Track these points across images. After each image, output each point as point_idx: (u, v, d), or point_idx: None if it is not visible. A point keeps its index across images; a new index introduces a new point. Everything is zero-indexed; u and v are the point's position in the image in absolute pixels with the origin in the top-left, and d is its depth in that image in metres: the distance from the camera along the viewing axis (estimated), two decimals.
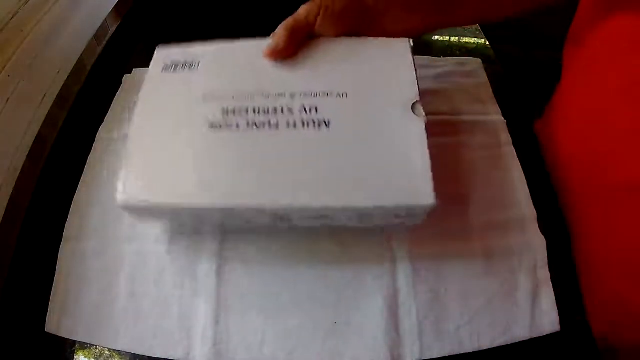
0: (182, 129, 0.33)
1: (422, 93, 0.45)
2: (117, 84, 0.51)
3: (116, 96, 0.49)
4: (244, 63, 0.37)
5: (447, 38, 0.61)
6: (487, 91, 0.49)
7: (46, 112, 0.46)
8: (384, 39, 0.38)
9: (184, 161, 0.32)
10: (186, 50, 0.38)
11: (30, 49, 0.43)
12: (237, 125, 0.33)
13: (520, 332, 0.33)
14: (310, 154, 0.32)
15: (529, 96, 0.51)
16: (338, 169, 0.32)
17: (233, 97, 0.35)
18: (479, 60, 0.52)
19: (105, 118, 0.47)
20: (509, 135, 0.45)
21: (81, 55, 0.52)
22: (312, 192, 0.31)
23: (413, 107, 0.35)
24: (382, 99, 0.35)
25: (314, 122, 0.33)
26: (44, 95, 0.46)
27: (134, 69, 0.52)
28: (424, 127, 0.34)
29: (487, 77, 0.50)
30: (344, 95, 0.35)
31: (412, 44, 0.38)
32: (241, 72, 0.36)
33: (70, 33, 0.50)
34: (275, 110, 0.34)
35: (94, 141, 0.45)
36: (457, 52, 0.57)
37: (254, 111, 0.34)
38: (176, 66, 0.37)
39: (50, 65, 0.47)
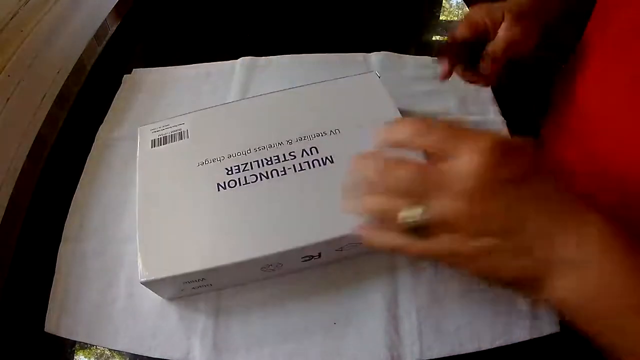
0: (190, 195, 0.34)
1: (423, 93, 0.45)
2: (117, 84, 0.51)
3: (116, 96, 0.49)
4: (230, 125, 0.39)
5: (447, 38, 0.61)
6: (487, 91, 0.49)
7: (46, 112, 0.46)
8: (352, 77, 0.42)
9: (199, 226, 0.33)
10: (167, 122, 0.39)
11: (30, 49, 0.43)
12: (246, 180, 0.34)
13: (520, 332, 0.33)
14: (325, 189, 0.34)
15: (528, 96, 0.51)
16: None
17: (231, 156, 0.36)
18: None
19: (105, 118, 0.47)
20: (509, 135, 0.45)
21: (81, 55, 0.52)
22: (340, 222, 0.31)
23: None
24: (370, 128, 0.36)
25: (319, 161, 0.35)
26: (44, 95, 0.46)
27: (134, 69, 0.52)
28: None
29: None
30: (337, 132, 0.37)
31: (378, 74, 0.42)
32: (231, 133, 0.38)
33: (70, 33, 0.50)
34: (278, 158, 0.36)
35: (93, 141, 0.45)
36: None
37: (258, 164, 0.35)
38: (165, 139, 0.38)
39: (50, 65, 0.47)
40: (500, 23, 0.39)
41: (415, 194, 0.24)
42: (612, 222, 0.24)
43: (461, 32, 0.39)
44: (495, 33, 0.39)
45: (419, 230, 0.24)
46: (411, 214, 0.23)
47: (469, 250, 0.24)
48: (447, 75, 0.40)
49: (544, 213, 0.23)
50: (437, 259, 0.26)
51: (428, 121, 0.25)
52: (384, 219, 0.25)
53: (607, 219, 0.24)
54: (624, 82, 0.34)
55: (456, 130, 0.24)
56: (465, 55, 0.40)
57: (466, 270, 0.25)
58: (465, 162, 0.23)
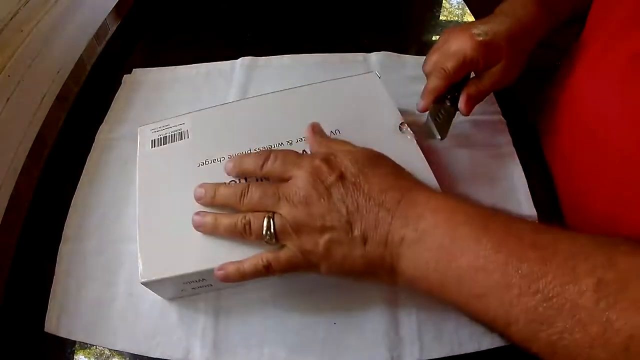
0: (190, 195, 0.33)
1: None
2: (117, 84, 0.51)
3: (116, 96, 0.49)
4: (230, 125, 0.39)
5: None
6: None
7: (46, 112, 0.46)
8: (352, 77, 0.42)
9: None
10: (167, 122, 0.39)
11: (30, 49, 0.43)
12: (246, 181, 0.34)
13: None
14: None
15: (528, 96, 0.51)
16: None
17: (232, 156, 0.35)
18: None
19: (105, 118, 0.47)
20: (509, 135, 0.45)
21: (81, 55, 0.52)
22: None
23: (400, 127, 0.38)
24: (370, 129, 0.38)
25: None
26: (44, 95, 0.46)
27: (134, 69, 0.52)
28: (415, 141, 0.37)
29: None
30: (337, 132, 0.37)
31: (378, 74, 0.42)
32: (232, 133, 0.38)
33: (70, 33, 0.50)
34: None
35: (94, 141, 0.45)
36: None
37: None
38: (165, 139, 0.38)
39: (50, 65, 0.47)
40: (495, 62, 0.38)
41: (268, 207, 0.30)
42: (451, 199, 0.29)
43: (454, 75, 0.38)
44: (485, 69, 0.39)
45: (276, 237, 0.29)
46: (267, 223, 0.29)
47: (320, 247, 0.28)
48: (425, 110, 0.40)
49: (374, 204, 0.28)
50: (299, 266, 0.30)
51: (267, 153, 0.32)
52: (246, 234, 0.30)
53: (445, 197, 0.29)
54: (618, 71, 0.34)
55: (287, 157, 0.31)
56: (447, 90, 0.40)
57: (324, 270, 0.30)
58: (296, 179, 0.30)
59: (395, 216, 0.28)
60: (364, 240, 0.28)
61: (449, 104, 0.40)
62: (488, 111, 0.47)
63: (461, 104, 0.39)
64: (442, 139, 0.40)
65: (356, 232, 0.28)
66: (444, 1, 0.69)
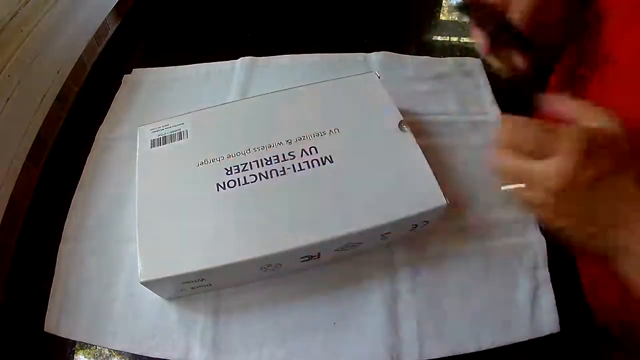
0: (189, 195, 0.34)
1: (423, 93, 0.45)
2: (117, 84, 0.51)
3: (116, 96, 0.49)
4: (229, 125, 0.39)
5: (447, 38, 0.61)
6: (487, 91, 0.49)
7: (46, 112, 0.46)
8: (352, 77, 0.42)
9: (199, 226, 0.33)
10: (167, 122, 0.39)
11: (30, 49, 0.43)
12: (245, 180, 0.34)
13: (520, 332, 0.33)
14: (324, 189, 0.34)
15: (528, 96, 0.51)
16: (353, 196, 0.33)
17: (231, 156, 0.36)
18: (478, 60, 0.52)
19: (105, 118, 0.47)
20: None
21: (81, 55, 0.52)
22: (339, 222, 0.32)
23: (399, 126, 0.38)
24: (370, 128, 0.38)
25: (318, 161, 0.35)
26: (44, 95, 0.46)
27: (134, 69, 0.52)
28: (414, 140, 0.36)
29: (486, 77, 0.50)
30: (336, 132, 0.37)
31: (378, 74, 0.42)
32: (231, 133, 0.38)
33: (70, 33, 0.50)
34: (277, 158, 0.36)
35: (94, 141, 0.45)
36: (457, 52, 0.57)
37: (258, 164, 0.35)
38: (165, 139, 0.38)
39: (50, 65, 0.47)
40: None
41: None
42: None
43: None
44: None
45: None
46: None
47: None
48: (488, 50, 0.36)
49: (612, 209, 0.28)
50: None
51: (525, 120, 0.31)
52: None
53: None
54: (619, 70, 0.34)
55: (551, 129, 0.29)
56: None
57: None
58: (556, 162, 0.27)
59: (628, 226, 0.27)
60: (594, 237, 0.28)
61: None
62: (488, 111, 0.47)
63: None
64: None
65: (591, 230, 0.28)
66: (444, 1, 0.69)
